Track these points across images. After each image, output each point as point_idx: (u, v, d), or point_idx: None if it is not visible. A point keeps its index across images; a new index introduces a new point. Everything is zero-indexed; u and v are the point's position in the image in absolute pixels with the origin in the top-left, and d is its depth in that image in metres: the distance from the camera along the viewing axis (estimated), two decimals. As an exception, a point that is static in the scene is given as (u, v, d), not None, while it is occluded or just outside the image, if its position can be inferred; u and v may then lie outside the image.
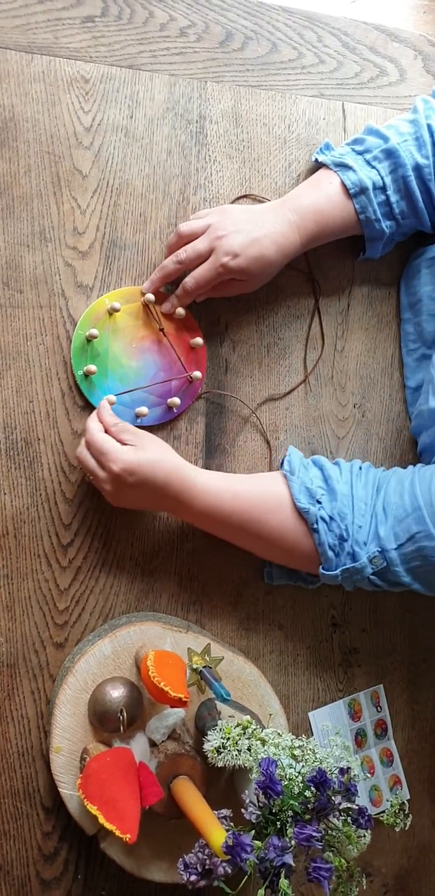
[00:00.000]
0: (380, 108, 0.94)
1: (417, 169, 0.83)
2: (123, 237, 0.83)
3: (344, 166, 0.84)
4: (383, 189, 0.84)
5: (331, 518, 0.79)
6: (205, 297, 0.84)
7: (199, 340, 0.84)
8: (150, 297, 0.82)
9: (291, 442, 0.90)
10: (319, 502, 0.80)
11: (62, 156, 0.81)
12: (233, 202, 0.87)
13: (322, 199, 0.83)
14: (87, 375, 0.81)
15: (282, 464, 0.85)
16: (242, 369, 0.88)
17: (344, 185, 0.83)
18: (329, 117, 0.91)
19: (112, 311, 0.81)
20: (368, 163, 0.84)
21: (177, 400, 0.84)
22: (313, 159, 0.88)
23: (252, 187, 0.88)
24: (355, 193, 0.83)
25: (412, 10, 1.37)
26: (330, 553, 0.79)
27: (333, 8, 0.97)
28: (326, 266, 0.91)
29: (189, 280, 0.81)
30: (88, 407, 0.82)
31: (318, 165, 0.88)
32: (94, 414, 0.79)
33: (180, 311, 0.83)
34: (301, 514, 0.80)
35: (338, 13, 0.93)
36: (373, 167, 0.83)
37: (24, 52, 0.79)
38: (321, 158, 0.87)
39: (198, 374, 0.84)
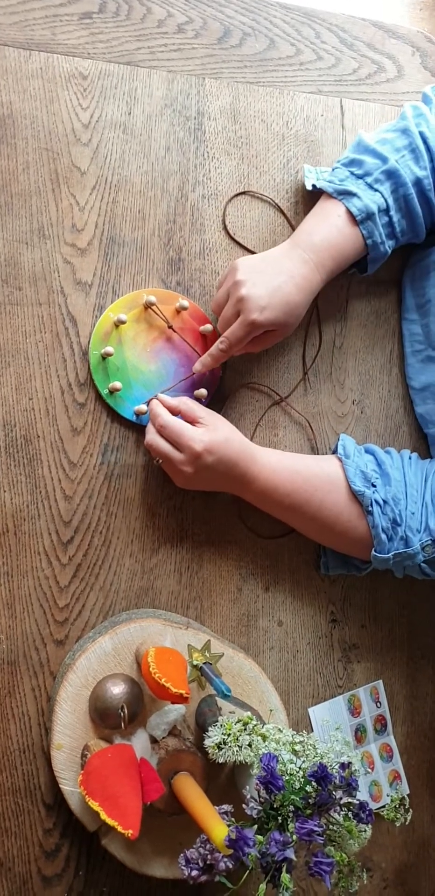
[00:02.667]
0: (378, 104, 0.94)
1: (418, 183, 0.82)
2: (122, 234, 0.83)
3: (348, 194, 0.82)
4: (387, 210, 0.83)
5: (385, 502, 0.82)
6: (242, 352, 0.83)
7: (208, 327, 0.84)
8: (152, 298, 0.82)
9: (291, 438, 0.90)
10: (373, 486, 0.83)
11: (60, 152, 0.81)
12: (231, 199, 0.87)
13: (333, 234, 0.82)
14: (112, 392, 0.81)
15: (335, 450, 0.88)
16: (241, 366, 0.88)
17: (350, 213, 0.82)
18: (327, 114, 0.91)
19: (119, 323, 0.81)
20: (370, 186, 0.82)
21: (204, 391, 0.84)
22: (309, 188, 0.87)
23: (250, 184, 0.88)
24: (362, 220, 0.82)
25: (409, 7, 1.38)
26: (383, 536, 0.82)
27: (330, 4, 0.97)
28: (325, 262, 0.91)
29: (223, 342, 0.80)
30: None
31: (314, 191, 0.87)
32: (155, 402, 0.81)
33: (183, 302, 0.83)
34: (356, 497, 0.82)
35: (335, 9, 0.93)
36: (375, 190, 0.82)
37: (21, 48, 0.79)
38: (320, 185, 0.85)
39: None
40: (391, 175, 0.82)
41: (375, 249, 0.84)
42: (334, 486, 0.83)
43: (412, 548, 0.81)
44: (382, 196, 0.82)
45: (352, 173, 0.83)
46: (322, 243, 0.81)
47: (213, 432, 0.79)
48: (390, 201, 0.83)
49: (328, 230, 0.82)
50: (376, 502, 0.82)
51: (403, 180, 0.82)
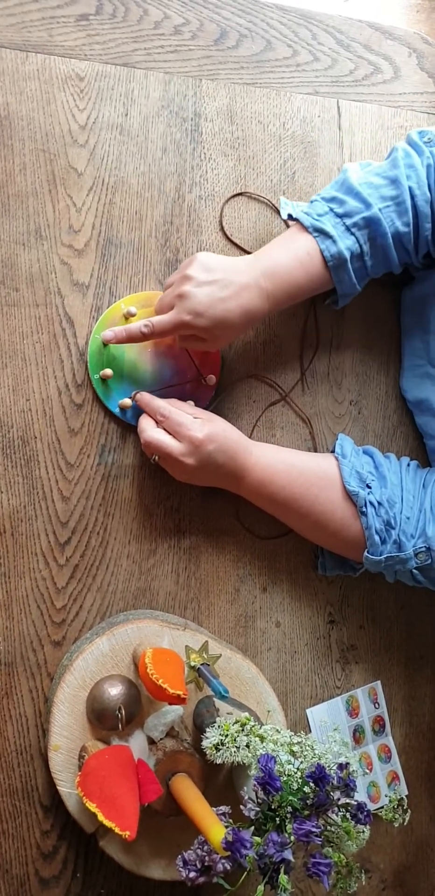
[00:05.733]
0: (374, 105, 0.94)
1: (398, 236, 0.81)
2: (119, 235, 0.83)
3: (323, 233, 0.80)
4: (361, 256, 0.81)
5: (379, 504, 0.81)
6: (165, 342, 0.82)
7: None
8: None
9: (289, 438, 0.90)
10: (368, 487, 0.82)
11: (57, 154, 0.81)
12: (228, 200, 0.87)
13: (297, 269, 0.79)
14: (103, 380, 0.81)
15: (333, 450, 0.87)
16: (239, 367, 0.88)
17: (322, 254, 0.80)
18: (324, 115, 0.92)
19: (128, 316, 0.81)
20: (348, 229, 0.80)
21: (191, 403, 0.84)
22: (284, 217, 0.85)
23: (247, 185, 0.88)
24: (334, 266, 0.80)
25: (405, 9, 1.38)
26: (376, 538, 0.81)
27: (327, 6, 0.97)
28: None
29: (147, 325, 0.78)
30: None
31: (290, 220, 0.85)
32: (149, 395, 0.80)
33: None
34: (350, 497, 0.82)
35: (332, 11, 0.94)
36: (352, 234, 0.80)
37: (18, 50, 0.79)
38: (297, 215, 0.82)
39: (212, 377, 0.85)
40: (371, 223, 0.79)
41: (343, 288, 0.83)
42: (330, 484, 0.83)
43: (405, 552, 0.80)
44: (358, 241, 0.80)
45: (332, 210, 0.81)
46: (283, 277, 0.79)
47: (210, 423, 0.79)
48: (366, 247, 0.81)
49: (293, 264, 0.79)
50: (371, 503, 0.81)
51: (383, 230, 0.80)
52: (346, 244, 0.80)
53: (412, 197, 0.80)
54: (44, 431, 0.80)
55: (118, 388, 0.82)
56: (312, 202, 0.83)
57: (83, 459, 0.82)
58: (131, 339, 0.80)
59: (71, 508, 0.81)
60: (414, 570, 0.81)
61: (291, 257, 0.80)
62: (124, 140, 0.83)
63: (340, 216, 0.80)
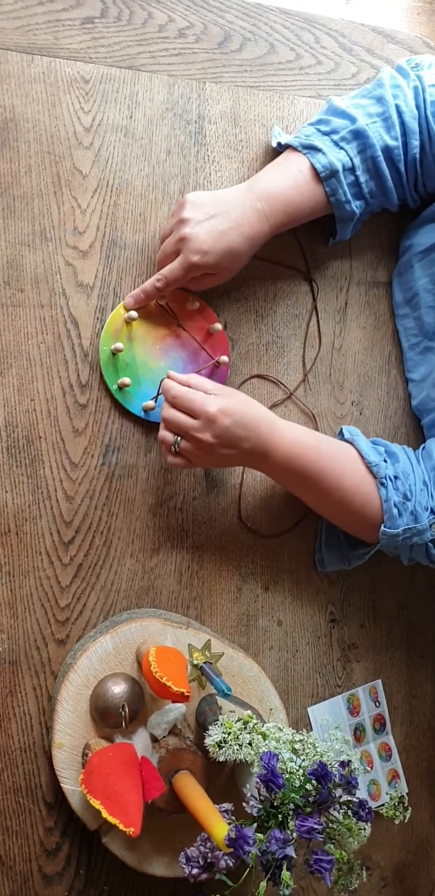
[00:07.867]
0: (377, 108, 0.94)
1: (387, 150, 0.83)
2: (123, 237, 0.84)
3: (312, 148, 0.82)
4: (352, 170, 0.83)
5: (395, 477, 0.82)
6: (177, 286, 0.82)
7: (217, 326, 0.85)
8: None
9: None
10: (385, 461, 0.83)
11: (62, 156, 0.81)
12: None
13: (292, 188, 0.82)
14: (121, 388, 0.82)
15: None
16: (242, 367, 0.89)
17: (313, 169, 0.82)
18: (326, 118, 0.92)
19: (129, 321, 0.82)
20: (336, 143, 0.83)
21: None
22: (274, 145, 0.87)
23: (250, 187, 0.89)
24: (326, 177, 0.82)
25: (407, 12, 1.39)
26: (395, 510, 0.81)
27: (329, 9, 0.98)
28: (324, 265, 0.92)
29: (159, 279, 0.80)
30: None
31: (279, 150, 0.87)
32: (166, 380, 0.79)
33: (195, 303, 0.84)
34: (370, 470, 0.82)
35: (335, 15, 0.94)
36: (341, 148, 0.82)
37: (24, 53, 0.80)
38: (286, 140, 0.85)
39: (224, 358, 0.85)
40: (359, 135, 0.82)
41: (340, 208, 0.84)
42: (352, 459, 0.83)
43: (421, 523, 0.80)
44: (348, 154, 0.82)
45: (318, 130, 0.84)
46: (279, 196, 0.81)
47: (226, 397, 0.77)
48: (357, 161, 0.83)
49: (287, 184, 0.82)
50: (389, 477, 0.82)
51: (371, 142, 0.82)
52: (336, 156, 0.82)
53: (399, 114, 0.83)
54: (48, 431, 0.81)
55: (137, 392, 0.83)
56: (300, 130, 0.86)
57: (87, 459, 0.82)
58: (149, 297, 0.81)
59: (75, 508, 0.82)
60: (429, 544, 0.81)
61: (284, 177, 0.82)
62: (129, 142, 0.84)
63: (327, 133, 0.83)
